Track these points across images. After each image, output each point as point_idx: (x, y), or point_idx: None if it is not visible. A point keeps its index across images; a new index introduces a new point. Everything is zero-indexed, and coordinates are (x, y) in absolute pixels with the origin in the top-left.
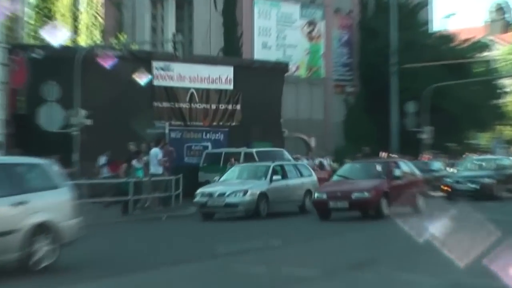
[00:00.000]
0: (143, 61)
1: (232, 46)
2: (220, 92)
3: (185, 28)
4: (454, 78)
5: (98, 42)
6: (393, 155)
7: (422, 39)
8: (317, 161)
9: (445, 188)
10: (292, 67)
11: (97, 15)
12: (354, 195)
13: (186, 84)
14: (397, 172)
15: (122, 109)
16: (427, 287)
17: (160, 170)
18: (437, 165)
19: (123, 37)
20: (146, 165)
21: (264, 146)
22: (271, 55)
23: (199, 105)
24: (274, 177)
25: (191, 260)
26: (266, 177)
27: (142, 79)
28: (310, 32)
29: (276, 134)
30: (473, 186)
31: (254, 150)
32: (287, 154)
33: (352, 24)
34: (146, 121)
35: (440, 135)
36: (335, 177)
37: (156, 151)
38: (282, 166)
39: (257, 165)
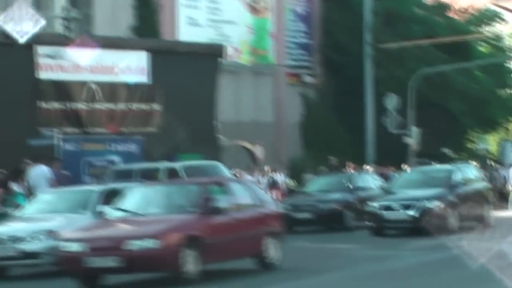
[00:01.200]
0: (23, 46)
1: (147, 24)
2: (131, 87)
3: (80, 0)
4: (452, 61)
5: None
6: (368, 167)
7: (407, 9)
8: (266, 178)
9: (369, 217)
10: (230, 51)
11: None
12: (130, 245)
13: (83, 76)
14: (221, 202)
15: None
16: None
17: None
18: (366, 180)
19: None
20: (30, 189)
21: (194, 159)
22: (201, 34)
23: (102, 105)
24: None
25: None
26: (90, 208)
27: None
28: (253, 3)
29: (209, 143)
30: (410, 213)
31: (179, 164)
32: (223, 169)
33: None
34: (29, 129)
35: (432, 138)
36: (113, 212)
37: (43, 170)
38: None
39: (78, 190)
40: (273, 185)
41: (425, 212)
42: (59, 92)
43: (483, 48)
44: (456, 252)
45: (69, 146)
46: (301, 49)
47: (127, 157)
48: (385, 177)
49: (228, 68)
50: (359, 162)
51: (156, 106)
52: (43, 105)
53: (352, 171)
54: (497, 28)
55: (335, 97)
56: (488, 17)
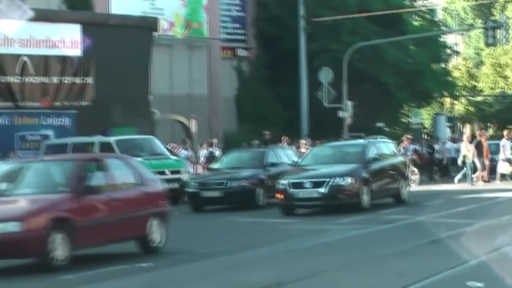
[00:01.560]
0: None
1: None
2: (64, 60)
3: None
4: (386, 35)
5: None
6: (304, 141)
7: None
8: (204, 151)
9: (279, 195)
10: (163, 24)
11: None
12: None
13: (15, 49)
14: (96, 180)
15: None
16: None
17: None
18: (280, 156)
19: None
20: None
21: (128, 133)
22: (134, 7)
23: (35, 79)
24: None
25: None
26: None
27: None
28: None
29: (143, 117)
30: (320, 191)
31: (113, 139)
32: (158, 144)
33: None
34: None
35: (366, 112)
36: None
37: None
38: None
39: None
40: (212, 160)
41: (336, 189)
42: None
43: (416, 22)
44: (389, 226)
45: (1, 120)
46: (235, 22)
47: (61, 131)
48: None
49: (162, 41)
50: (294, 136)
51: (89, 80)
52: None
53: (287, 145)
54: (431, 2)
55: (270, 70)
56: None
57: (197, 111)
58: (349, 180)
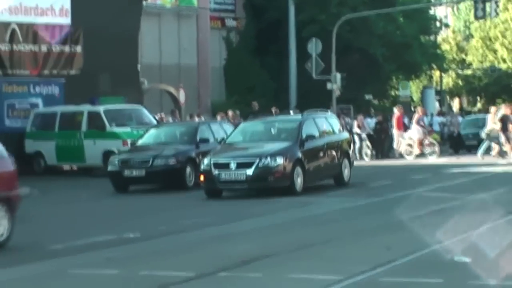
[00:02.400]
0: None
1: None
2: (53, 28)
3: None
4: (375, 6)
5: None
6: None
7: None
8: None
9: (201, 177)
10: None
11: None
12: None
13: (4, 17)
14: None
15: None
16: None
17: None
18: (217, 130)
19: None
20: None
21: (116, 103)
22: None
23: (24, 47)
24: None
25: None
26: None
27: None
28: None
29: (131, 86)
30: (247, 173)
31: (101, 108)
32: (146, 113)
33: None
34: None
35: (354, 84)
36: None
37: None
38: None
39: None
40: None
41: (265, 171)
42: None
43: None
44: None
45: None
46: None
47: (49, 100)
48: None
49: (150, 10)
50: (282, 107)
51: (78, 48)
52: None
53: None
54: None
55: (258, 41)
56: None
57: (186, 81)
58: (280, 160)
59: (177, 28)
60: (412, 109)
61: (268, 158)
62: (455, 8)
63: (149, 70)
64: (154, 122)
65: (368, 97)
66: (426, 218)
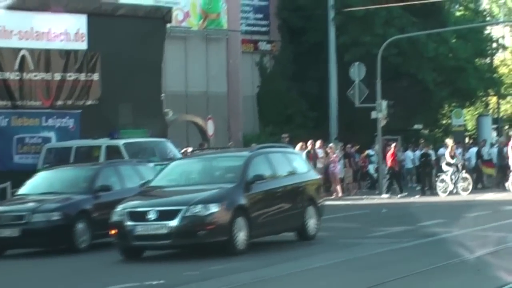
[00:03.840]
0: None
1: None
2: (67, 54)
3: None
4: (424, 26)
5: None
6: (331, 146)
7: None
8: None
9: (112, 231)
10: (178, 14)
11: None
12: None
13: (13, 43)
14: None
15: None
16: None
17: None
18: (125, 173)
19: None
20: None
21: (138, 136)
22: None
23: (36, 75)
24: None
25: None
26: None
27: None
28: None
29: (155, 117)
30: (171, 224)
31: (121, 142)
32: (171, 147)
33: None
34: None
35: (402, 113)
36: None
37: None
38: None
39: None
40: None
41: (194, 222)
42: None
43: (459, 12)
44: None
45: None
46: (257, 13)
47: (63, 133)
48: (349, 157)
49: (175, 33)
50: (323, 138)
51: (95, 76)
52: None
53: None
54: None
55: (295, 66)
56: None
57: (215, 111)
58: (214, 208)
59: (205, 53)
60: (466, 139)
61: (199, 206)
62: None
63: (174, 99)
64: (180, 157)
65: (417, 126)
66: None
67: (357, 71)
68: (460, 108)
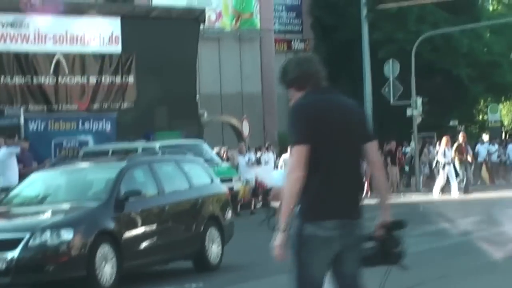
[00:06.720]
0: None
1: None
2: (102, 57)
3: None
4: (458, 22)
5: None
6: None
7: None
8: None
9: None
10: (210, 15)
11: None
12: None
13: (48, 47)
14: None
15: None
16: None
17: (16, 180)
18: None
19: None
20: None
21: (173, 138)
22: None
23: (71, 79)
24: None
25: None
26: None
27: None
28: None
29: (190, 119)
30: (8, 255)
31: (157, 144)
32: (207, 149)
33: None
34: None
35: (437, 109)
36: None
37: (4, 151)
38: None
39: None
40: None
41: (40, 253)
42: (22, 65)
43: (492, 6)
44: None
45: (34, 126)
46: (290, 11)
47: (100, 137)
48: (392, 156)
49: (209, 34)
50: None
51: (130, 79)
52: (5, 80)
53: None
54: None
55: (329, 64)
56: None
57: (249, 111)
58: (67, 234)
59: (239, 53)
60: (503, 135)
61: (47, 232)
62: None
63: (209, 100)
64: (216, 158)
65: (453, 123)
66: None
67: (391, 68)
68: (496, 104)
